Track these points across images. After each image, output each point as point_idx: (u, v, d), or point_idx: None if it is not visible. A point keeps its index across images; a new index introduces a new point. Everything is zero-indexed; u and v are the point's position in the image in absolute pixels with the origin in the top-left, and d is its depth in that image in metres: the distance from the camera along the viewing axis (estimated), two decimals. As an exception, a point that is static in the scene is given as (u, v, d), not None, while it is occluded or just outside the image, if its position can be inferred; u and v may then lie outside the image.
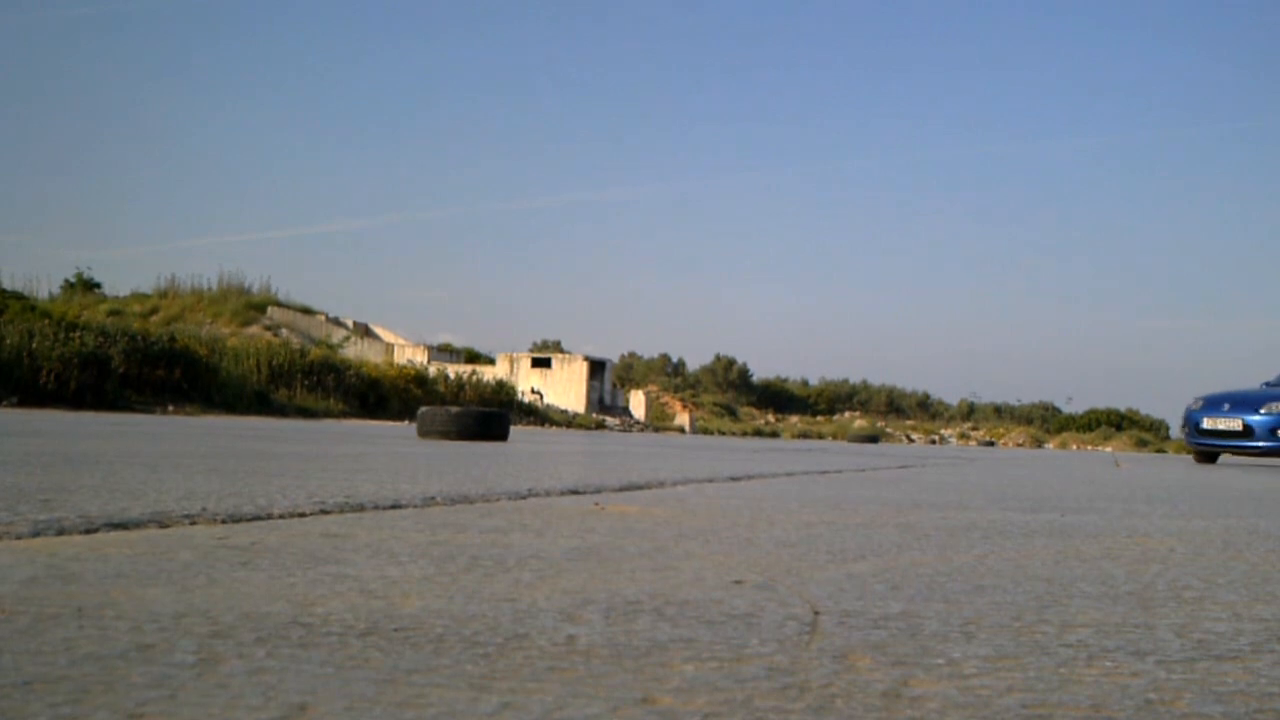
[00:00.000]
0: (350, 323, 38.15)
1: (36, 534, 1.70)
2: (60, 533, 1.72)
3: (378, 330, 39.14)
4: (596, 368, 38.94)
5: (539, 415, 31.69)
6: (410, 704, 0.84)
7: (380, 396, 26.27)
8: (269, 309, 36.35)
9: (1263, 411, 13.30)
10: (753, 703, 0.88)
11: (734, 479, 4.36)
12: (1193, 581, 1.73)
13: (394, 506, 2.41)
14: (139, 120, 48.48)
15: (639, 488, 3.48)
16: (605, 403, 39.38)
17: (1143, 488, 5.48)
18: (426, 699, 0.86)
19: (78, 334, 18.24)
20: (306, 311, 37.17)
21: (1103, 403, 48.29)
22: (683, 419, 41.86)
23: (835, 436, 38.77)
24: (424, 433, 9.54)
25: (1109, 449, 38.50)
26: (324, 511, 2.22)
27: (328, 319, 37.18)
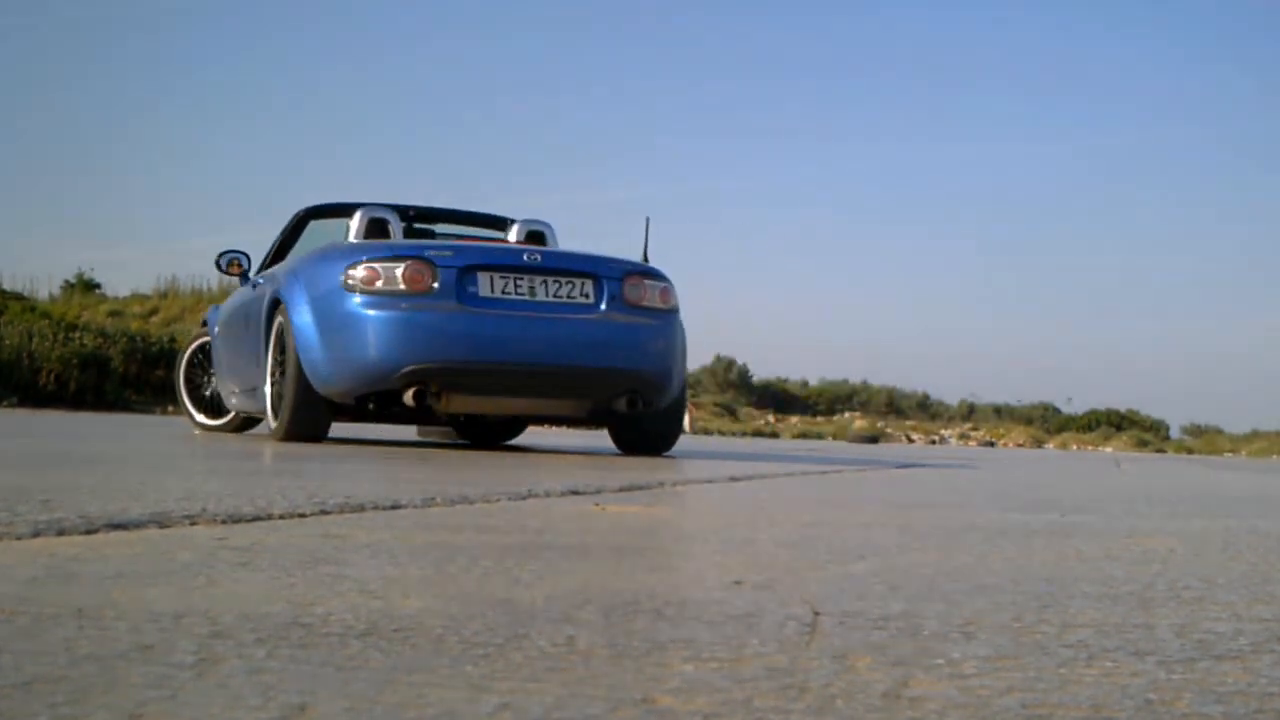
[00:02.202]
0: (350, 323, 38.15)
1: (36, 534, 1.70)
2: (60, 533, 1.72)
3: (378, 331, 39.14)
4: (596, 368, 38.87)
5: (539, 416, 31.64)
6: (410, 704, 0.84)
7: (380, 397, 26.28)
8: (269, 309, 36.36)
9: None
10: (752, 703, 0.88)
11: (734, 479, 4.36)
12: (1193, 581, 1.73)
13: (394, 507, 2.41)
14: (139, 120, 48.57)
15: (639, 488, 3.48)
16: (605, 403, 39.31)
17: (1143, 488, 5.48)
18: (426, 699, 0.86)
19: (77, 335, 18.23)
20: (306, 312, 37.17)
21: (1103, 403, 48.17)
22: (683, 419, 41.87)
23: (835, 436, 38.78)
24: (424, 432, 9.53)
25: (1109, 449, 38.51)
26: (324, 512, 2.22)
27: (328, 319, 37.19)
